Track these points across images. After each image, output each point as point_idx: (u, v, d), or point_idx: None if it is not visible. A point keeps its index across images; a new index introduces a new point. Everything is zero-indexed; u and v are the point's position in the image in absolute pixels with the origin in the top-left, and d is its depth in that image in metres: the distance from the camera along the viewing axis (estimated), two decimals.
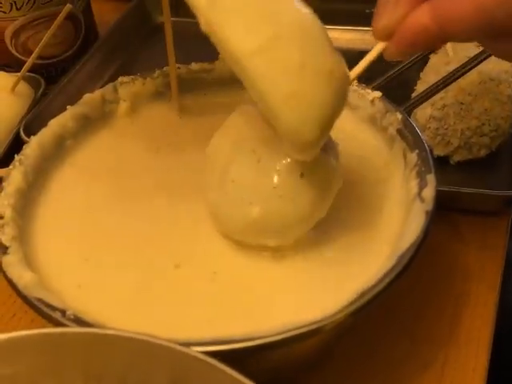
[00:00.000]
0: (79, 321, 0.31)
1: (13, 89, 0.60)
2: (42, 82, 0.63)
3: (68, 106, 0.46)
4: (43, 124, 0.57)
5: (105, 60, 0.70)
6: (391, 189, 0.39)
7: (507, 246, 0.50)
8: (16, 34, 0.65)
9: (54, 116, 0.57)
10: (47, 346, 0.31)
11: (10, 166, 0.41)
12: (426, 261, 0.44)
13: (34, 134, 0.55)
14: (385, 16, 0.34)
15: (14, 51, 0.66)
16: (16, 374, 0.32)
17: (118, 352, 0.31)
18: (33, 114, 0.59)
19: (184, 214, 0.40)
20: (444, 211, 0.48)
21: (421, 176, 0.37)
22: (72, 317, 0.31)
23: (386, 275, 0.32)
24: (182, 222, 0.40)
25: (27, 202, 0.40)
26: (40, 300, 0.32)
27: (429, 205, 0.35)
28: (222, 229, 0.38)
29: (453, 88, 0.52)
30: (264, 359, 0.31)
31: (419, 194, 0.36)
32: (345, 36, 0.73)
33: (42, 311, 0.32)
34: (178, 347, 0.29)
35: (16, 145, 0.57)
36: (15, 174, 0.40)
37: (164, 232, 0.39)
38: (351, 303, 0.30)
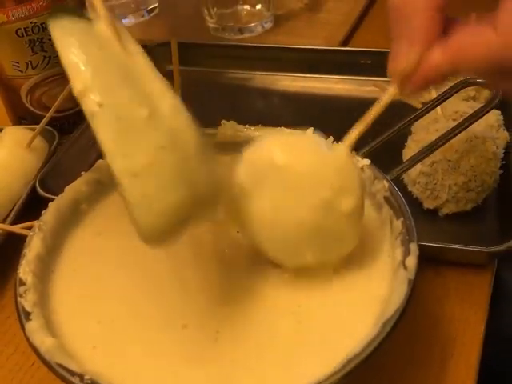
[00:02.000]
0: None
1: (29, 145, 0.64)
2: (56, 134, 0.67)
3: (82, 172, 0.50)
4: (58, 177, 0.61)
5: None
6: (379, 254, 0.43)
7: (491, 294, 0.53)
8: (31, 90, 0.69)
9: (67, 169, 0.61)
10: None
11: (31, 233, 0.45)
12: (413, 311, 0.47)
13: (50, 187, 0.60)
14: (401, 59, 0.38)
15: (29, 106, 0.70)
16: None
17: None
18: (47, 167, 0.63)
19: (192, 276, 0.44)
20: (431, 263, 0.52)
21: (405, 244, 0.41)
22: (89, 382, 0.35)
23: (370, 342, 0.35)
24: (189, 283, 0.44)
25: (45, 266, 0.44)
26: (60, 365, 0.36)
27: (411, 273, 0.38)
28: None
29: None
30: None
31: (403, 261, 0.40)
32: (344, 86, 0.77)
33: (63, 376, 0.35)
34: None
35: (32, 198, 0.61)
36: (35, 241, 0.44)
37: (173, 293, 0.43)
38: (338, 370, 0.34)
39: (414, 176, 0.57)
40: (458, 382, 0.45)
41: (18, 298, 0.40)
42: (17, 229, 0.53)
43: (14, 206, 0.60)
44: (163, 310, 0.41)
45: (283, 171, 0.39)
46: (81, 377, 0.35)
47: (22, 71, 0.67)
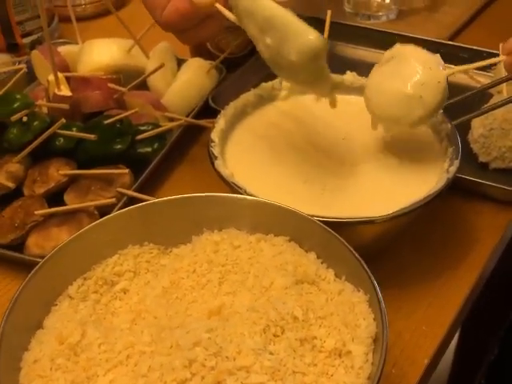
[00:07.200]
0: (250, 195, 0.61)
1: (208, 72, 0.91)
2: (224, 69, 0.94)
3: (251, 88, 0.76)
4: (224, 97, 0.87)
5: None
6: (435, 164, 0.67)
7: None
8: None
9: (230, 93, 0.87)
10: (232, 204, 0.60)
11: (218, 116, 0.72)
12: (451, 217, 0.72)
13: (218, 102, 0.86)
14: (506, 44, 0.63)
15: (209, 46, 0.97)
16: (207, 217, 0.60)
17: (268, 213, 0.59)
18: (217, 89, 0.89)
19: (315, 154, 0.70)
20: (472, 196, 0.75)
21: (451, 161, 0.65)
22: (248, 192, 0.61)
23: (415, 204, 0.59)
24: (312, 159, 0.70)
25: (224, 135, 0.71)
26: (233, 183, 0.62)
27: (450, 175, 0.63)
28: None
29: (499, 118, 0.77)
30: (347, 233, 0.57)
31: (447, 169, 0.64)
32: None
33: (235, 189, 0.62)
34: (303, 214, 0.57)
35: (205, 108, 0.88)
36: (221, 121, 0.71)
37: (302, 161, 0.69)
38: (393, 213, 0.58)
39: (476, 136, 0.79)
40: (475, 257, 0.69)
41: (210, 148, 0.67)
42: (201, 122, 0.81)
43: (193, 110, 0.87)
44: (294, 170, 0.68)
45: (402, 59, 0.65)
46: (244, 190, 0.61)
47: None
